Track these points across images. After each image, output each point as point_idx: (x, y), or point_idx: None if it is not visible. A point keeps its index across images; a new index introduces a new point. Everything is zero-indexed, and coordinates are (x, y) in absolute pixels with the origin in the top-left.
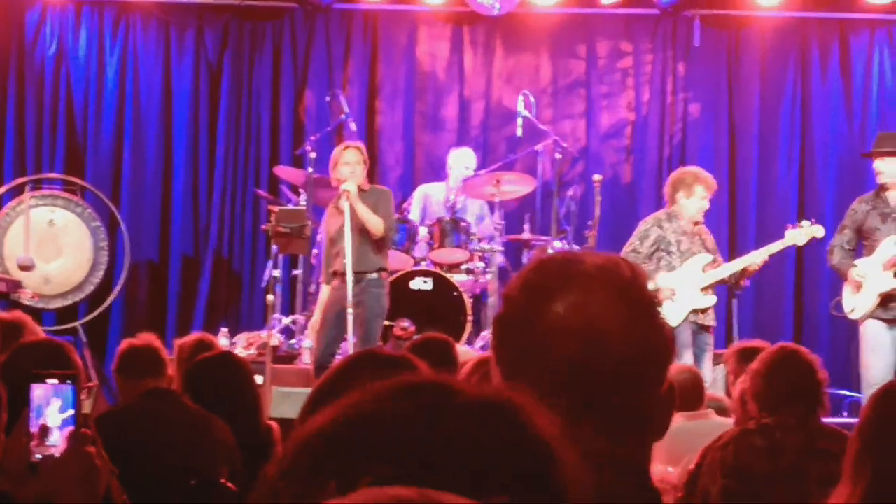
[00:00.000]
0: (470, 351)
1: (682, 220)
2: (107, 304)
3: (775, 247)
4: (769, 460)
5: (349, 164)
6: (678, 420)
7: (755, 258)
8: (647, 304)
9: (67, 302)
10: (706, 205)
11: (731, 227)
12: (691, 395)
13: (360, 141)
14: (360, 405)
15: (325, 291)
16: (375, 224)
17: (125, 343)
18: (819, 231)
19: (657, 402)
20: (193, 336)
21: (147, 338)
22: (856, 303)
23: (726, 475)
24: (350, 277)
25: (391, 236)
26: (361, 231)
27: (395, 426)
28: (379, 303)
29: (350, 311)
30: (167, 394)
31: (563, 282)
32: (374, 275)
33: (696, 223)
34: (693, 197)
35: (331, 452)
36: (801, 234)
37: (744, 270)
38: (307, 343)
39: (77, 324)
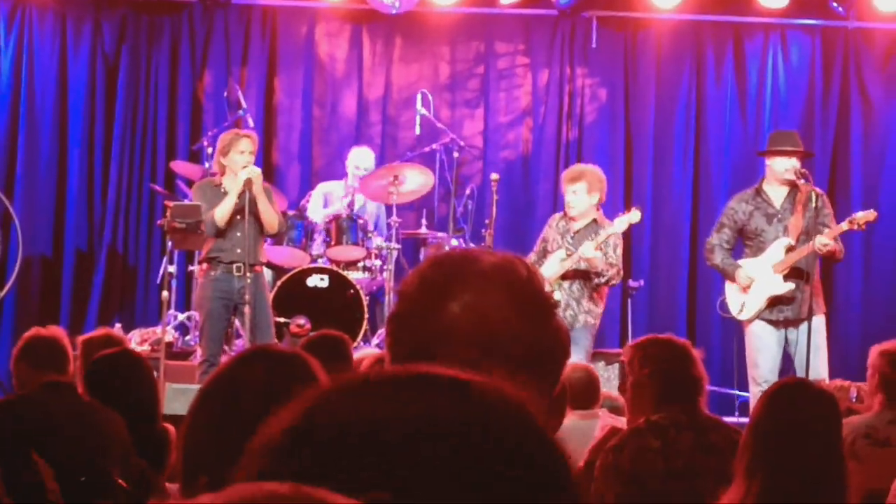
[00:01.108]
0: (370, 349)
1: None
2: None
3: (600, 237)
4: (665, 461)
5: (245, 152)
6: (571, 418)
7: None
8: (542, 304)
9: None
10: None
11: (627, 229)
12: (585, 393)
13: (259, 135)
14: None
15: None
16: (272, 219)
17: (32, 331)
18: (635, 216)
19: (549, 403)
20: (100, 332)
21: (55, 330)
22: (742, 303)
23: (624, 482)
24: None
25: (282, 232)
26: (254, 221)
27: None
28: (268, 298)
29: (246, 305)
30: (65, 387)
31: (459, 280)
32: (264, 269)
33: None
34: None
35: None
36: (623, 220)
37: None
38: None
39: None
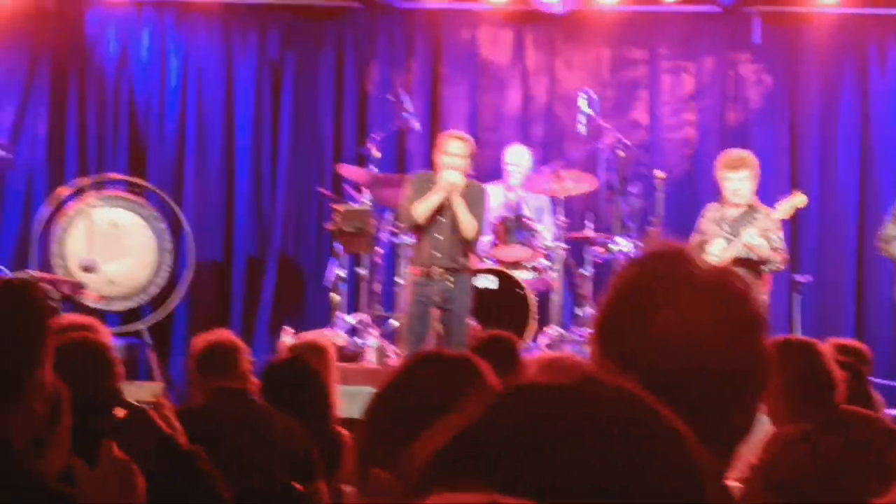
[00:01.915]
0: (539, 350)
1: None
2: (171, 305)
3: (761, 222)
4: (816, 466)
5: (450, 154)
6: None
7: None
8: (756, 323)
9: (131, 304)
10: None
11: (794, 225)
12: None
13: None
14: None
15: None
16: (469, 225)
17: (203, 337)
18: (801, 200)
19: (753, 420)
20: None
21: (225, 335)
22: None
23: (780, 495)
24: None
25: (479, 238)
26: (456, 226)
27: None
28: (469, 301)
29: (440, 308)
30: (239, 393)
31: (674, 287)
32: (465, 273)
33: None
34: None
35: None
36: (787, 204)
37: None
38: (372, 342)
39: (141, 326)
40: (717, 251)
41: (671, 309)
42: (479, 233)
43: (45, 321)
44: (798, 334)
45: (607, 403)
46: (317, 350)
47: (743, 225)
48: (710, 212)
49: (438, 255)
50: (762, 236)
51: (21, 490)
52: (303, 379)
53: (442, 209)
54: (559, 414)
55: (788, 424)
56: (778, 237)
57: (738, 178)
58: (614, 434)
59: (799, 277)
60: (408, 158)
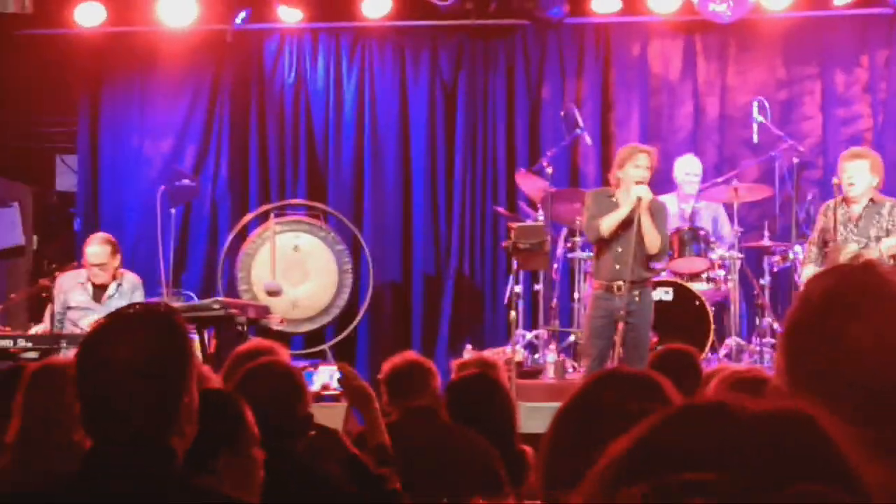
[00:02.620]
0: (719, 361)
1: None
2: (353, 325)
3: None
4: None
5: (641, 167)
6: None
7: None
8: None
9: (315, 325)
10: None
11: None
12: None
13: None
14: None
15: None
16: (654, 239)
17: (391, 362)
18: None
19: None
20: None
21: (411, 355)
22: None
23: None
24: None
25: (665, 252)
26: (641, 238)
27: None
28: (651, 315)
29: (621, 322)
30: (428, 412)
31: (868, 299)
32: (647, 286)
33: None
34: None
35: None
36: None
37: None
38: (551, 357)
39: (325, 346)
40: (848, 257)
41: (863, 322)
42: (665, 247)
43: (190, 347)
44: None
45: (780, 435)
46: (487, 367)
47: (869, 223)
48: (830, 210)
49: (622, 268)
50: (893, 233)
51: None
52: (487, 395)
53: (626, 223)
54: (718, 436)
55: None
56: None
57: (854, 168)
58: (779, 469)
59: None
60: (580, 173)
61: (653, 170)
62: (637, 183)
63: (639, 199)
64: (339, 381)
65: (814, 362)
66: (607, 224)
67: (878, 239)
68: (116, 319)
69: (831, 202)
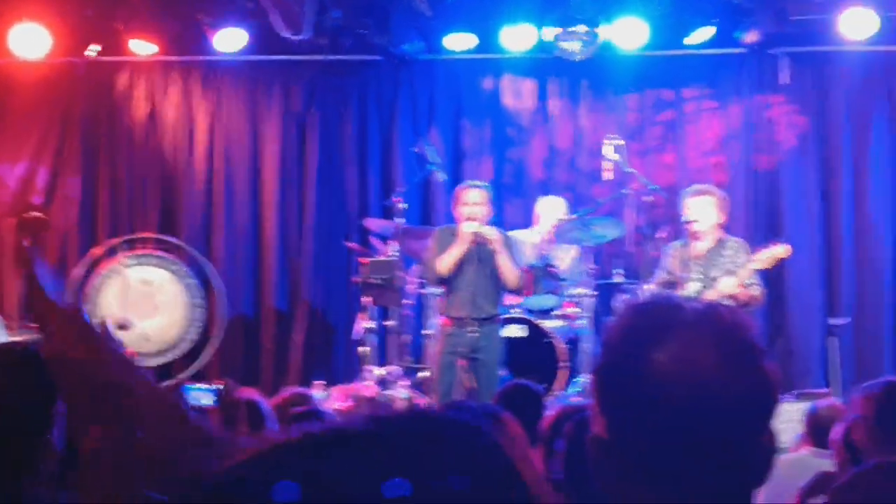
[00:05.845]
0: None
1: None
2: (203, 360)
3: (741, 272)
4: None
5: (469, 203)
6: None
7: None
8: (749, 351)
9: (165, 359)
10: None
11: (828, 267)
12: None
13: (449, 190)
14: None
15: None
16: (511, 273)
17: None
18: (784, 251)
19: (760, 450)
20: (290, 392)
21: (249, 393)
22: None
23: None
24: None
25: (520, 285)
26: (488, 274)
27: None
28: (499, 351)
29: (468, 360)
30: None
31: (664, 329)
32: (493, 322)
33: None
34: None
35: None
36: (769, 254)
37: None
38: (402, 393)
39: (173, 381)
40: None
41: (665, 347)
42: (521, 280)
43: (53, 384)
44: (838, 378)
45: None
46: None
47: (713, 262)
48: (675, 250)
49: (468, 305)
50: (740, 286)
51: None
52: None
53: (470, 259)
54: None
55: None
56: (756, 281)
57: (698, 204)
58: None
59: (835, 321)
60: (434, 210)
61: (487, 205)
62: (468, 219)
63: (472, 235)
64: None
65: (624, 398)
66: (444, 262)
67: (716, 280)
68: None
69: (677, 242)
